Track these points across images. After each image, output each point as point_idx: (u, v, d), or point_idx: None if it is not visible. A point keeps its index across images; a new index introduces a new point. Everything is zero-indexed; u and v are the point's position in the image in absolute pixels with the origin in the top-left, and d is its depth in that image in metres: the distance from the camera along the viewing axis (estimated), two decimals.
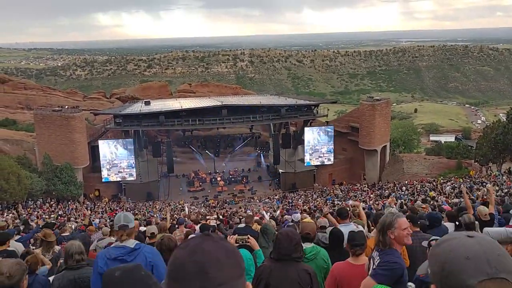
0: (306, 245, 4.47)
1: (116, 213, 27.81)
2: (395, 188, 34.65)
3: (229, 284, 1.10)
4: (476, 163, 42.05)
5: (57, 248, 6.70)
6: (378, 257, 3.45)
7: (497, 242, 1.27)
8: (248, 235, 4.42)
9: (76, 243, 4.62)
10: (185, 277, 1.10)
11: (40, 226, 13.19)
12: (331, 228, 6.41)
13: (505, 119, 42.72)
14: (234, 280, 1.12)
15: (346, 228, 6.00)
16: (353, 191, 38.24)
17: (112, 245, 4.22)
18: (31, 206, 31.74)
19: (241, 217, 15.48)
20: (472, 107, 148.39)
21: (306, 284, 2.49)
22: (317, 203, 29.59)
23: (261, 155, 49.48)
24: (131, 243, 3.95)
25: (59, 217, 24.46)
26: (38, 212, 29.27)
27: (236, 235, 4.52)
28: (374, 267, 3.39)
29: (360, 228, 5.97)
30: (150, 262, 3.83)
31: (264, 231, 6.65)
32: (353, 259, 4.17)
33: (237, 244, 4.46)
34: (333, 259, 4.64)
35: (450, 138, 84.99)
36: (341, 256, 5.62)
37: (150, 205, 37.25)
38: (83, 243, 4.95)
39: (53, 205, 33.74)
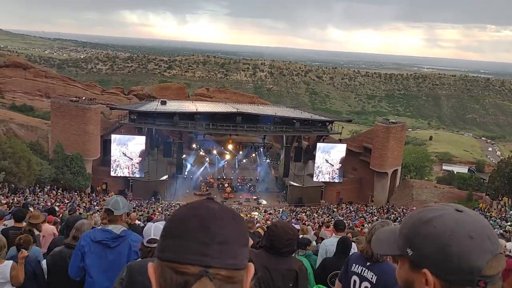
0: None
1: None
2: (403, 213, 34.22)
3: (232, 246, 0.98)
4: (487, 196, 41.44)
5: None
6: (368, 271, 3.31)
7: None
8: None
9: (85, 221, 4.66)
10: (184, 232, 0.99)
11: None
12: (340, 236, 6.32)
13: None
14: (238, 244, 0.99)
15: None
16: (360, 212, 37.85)
17: (99, 228, 4.13)
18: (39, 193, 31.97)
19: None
20: (488, 140, 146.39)
21: (289, 280, 2.35)
22: (322, 219, 29.32)
23: (271, 165, 49.28)
24: (118, 229, 3.83)
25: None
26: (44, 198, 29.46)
27: None
28: (373, 280, 3.24)
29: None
30: (135, 252, 3.70)
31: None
32: None
33: None
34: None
35: (463, 169, 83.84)
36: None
37: (154, 203, 37.25)
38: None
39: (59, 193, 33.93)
